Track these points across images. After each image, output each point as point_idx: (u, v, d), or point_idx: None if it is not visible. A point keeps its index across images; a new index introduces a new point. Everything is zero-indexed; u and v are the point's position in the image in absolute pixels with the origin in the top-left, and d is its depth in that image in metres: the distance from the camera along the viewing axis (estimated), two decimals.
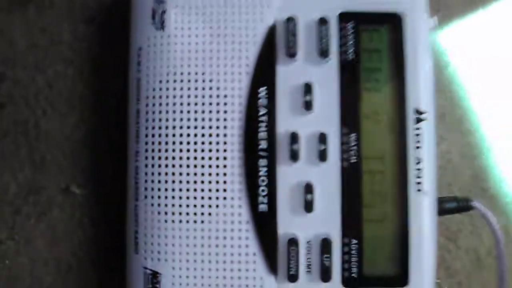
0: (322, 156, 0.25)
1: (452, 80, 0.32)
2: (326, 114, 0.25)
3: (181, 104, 0.25)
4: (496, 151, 0.31)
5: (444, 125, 0.31)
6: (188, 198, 0.25)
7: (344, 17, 0.26)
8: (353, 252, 0.25)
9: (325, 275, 0.24)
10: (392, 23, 0.26)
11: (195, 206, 0.25)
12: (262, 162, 0.25)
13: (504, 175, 0.31)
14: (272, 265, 0.25)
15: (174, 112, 0.25)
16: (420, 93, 0.25)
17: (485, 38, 0.32)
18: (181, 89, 0.25)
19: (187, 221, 0.25)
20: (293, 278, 0.24)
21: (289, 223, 0.25)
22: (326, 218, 0.25)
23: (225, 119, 0.25)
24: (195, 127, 0.25)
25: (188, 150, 0.25)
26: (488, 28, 0.32)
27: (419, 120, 0.25)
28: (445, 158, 0.31)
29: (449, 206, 0.27)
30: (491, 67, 0.32)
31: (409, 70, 0.25)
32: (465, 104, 0.32)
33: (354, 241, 0.25)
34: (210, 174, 0.25)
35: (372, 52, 0.26)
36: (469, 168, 0.31)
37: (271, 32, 0.25)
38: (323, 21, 0.25)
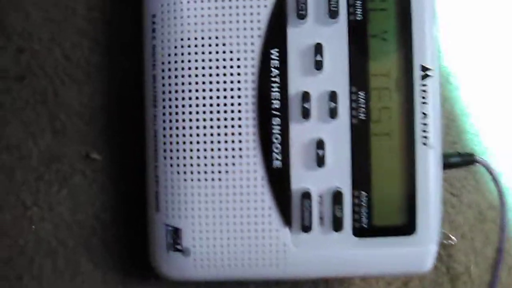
0: (333, 113, 0.26)
1: (459, 44, 0.33)
2: (336, 73, 0.26)
3: (196, 68, 0.26)
4: (498, 111, 0.33)
5: (449, 86, 0.32)
6: (205, 157, 0.26)
7: None
8: (363, 203, 0.26)
9: (337, 225, 0.26)
10: None
11: (212, 164, 0.26)
12: (275, 120, 0.26)
13: (508, 134, 0.33)
14: (286, 218, 0.26)
15: (189, 76, 0.26)
16: (426, 50, 0.26)
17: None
18: (196, 53, 0.26)
19: (205, 179, 0.26)
20: (306, 229, 0.26)
21: (302, 177, 0.26)
22: (337, 172, 0.26)
23: (238, 81, 0.26)
24: (210, 90, 0.26)
25: (204, 112, 0.26)
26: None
27: (425, 77, 0.26)
28: (450, 118, 0.32)
29: (453, 161, 0.28)
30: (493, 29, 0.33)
31: (415, 29, 0.26)
32: (470, 66, 0.33)
33: (364, 193, 0.26)
34: (226, 134, 0.26)
35: (379, 12, 0.26)
36: (473, 127, 0.32)
37: None
38: None
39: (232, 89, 0.26)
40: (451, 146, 0.32)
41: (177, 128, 0.26)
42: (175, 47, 0.26)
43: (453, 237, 0.27)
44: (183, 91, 0.26)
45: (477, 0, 0.32)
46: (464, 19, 0.32)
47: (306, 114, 0.26)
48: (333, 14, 0.26)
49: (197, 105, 0.26)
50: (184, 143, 0.26)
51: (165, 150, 0.26)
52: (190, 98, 0.26)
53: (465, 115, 0.32)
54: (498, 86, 0.33)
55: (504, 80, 0.33)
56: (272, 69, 0.26)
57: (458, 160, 0.28)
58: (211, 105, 0.26)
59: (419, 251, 0.26)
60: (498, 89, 0.33)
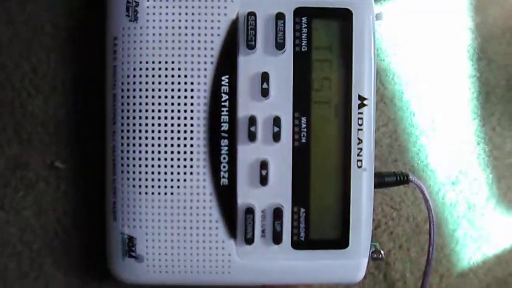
0: (276, 137, 0.28)
1: (402, 66, 0.35)
2: (280, 100, 0.28)
3: (153, 90, 0.28)
4: (438, 130, 0.35)
5: (393, 107, 0.35)
6: (159, 173, 0.28)
7: (299, 12, 0.29)
8: (301, 219, 0.29)
9: (277, 239, 0.28)
10: (342, 17, 0.29)
11: (165, 180, 0.28)
12: (224, 142, 0.28)
13: (443, 152, 0.36)
14: (232, 231, 0.28)
15: (146, 96, 0.28)
16: (364, 81, 0.29)
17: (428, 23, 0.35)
18: (153, 76, 0.28)
19: (159, 193, 0.28)
20: (249, 241, 0.28)
21: (247, 194, 0.28)
22: (279, 190, 0.29)
23: (192, 104, 0.28)
24: (165, 111, 0.28)
25: (159, 131, 0.28)
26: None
27: (361, 105, 0.29)
28: (393, 137, 0.35)
29: (389, 180, 0.31)
30: (436, 54, 0.35)
31: (355, 60, 0.29)
32: (412, 88, 0.35)
33: (302, 209, 0.29)
34: (178, 152, 0.28)
35: (323, 44, 0.29)
36: (414, 146, 0.35)
37: (234, 25, 0.28)
38: (280, 16, 0.28)
39: (185, 111, 0.28)
40: (393, 163, 0.35)
41: (133, 144, 0.28)
42: (134, 69, 0.28)
43: (382, 252, 0.29)
44: (140, 110, 0.28)
45: (422, 21, 0.35)
46: (407, 41, 0.35)
47: (252, 136, 0.28)
48: (279, 45, 0.28)
49: (152, 124, 0.28)
50: (140, 158, 0.28)
51: (122, 164, 0.29)
52: (146, 118, 0.28)
53: (407, 134, 0.35)
54: (438, 107, 0.35)
55: (443, 101, 0.35)
56: (223, 94, 0.28)
57: (394, 179, 0.31)
58: (165, 124, 0.28)
59: (351, 264, 0.29)
60: (438, 109, 0.35)
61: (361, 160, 0.29)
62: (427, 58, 0.35)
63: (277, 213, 0.28)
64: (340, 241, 0.29)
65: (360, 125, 0.29)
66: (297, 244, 0.29)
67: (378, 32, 0.33)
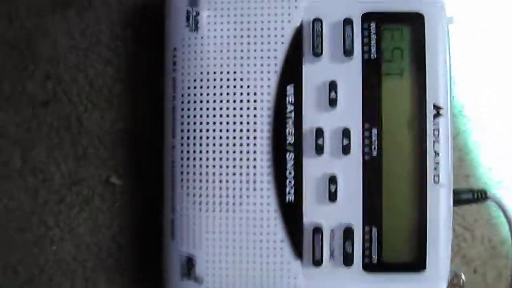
0: (346, 150, 0.27)
1: (474, 76, 0.33)
2: (349, 111, 0.27)
3: (214, 101, 0.27)
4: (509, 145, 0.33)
5: (463, 119, 0.32)
6: (221, 189, 0.27)
7: (367, 17, 0.27)
8: (373, 239, 0.26)
9: (347, 261, 0.26)
10: (413, 22, 0.27)
11: (227, 196, 0.27)
12: (290, 155, 0.27)
13: None
14: (298, 251, 0.27)
15: (207, 109, 0.27)
16: (439, 89, 0.27)
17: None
18: (214, 87, 0.27)
19: (220, 210, 0.27)
20: (317, 263, 0.26)
21: (314, 212, 0.27)
22: (349, 208, 0.27)
23: (255, 115, 0.27)
24: (227, 123, 0.27)
25: (220, 145, 0.27)
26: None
27: (437, 116, 0.27)
28: (463, 151, 0.32)
29: (465, 197, 0.29)
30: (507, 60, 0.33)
31: (429, 67, 0.27)
32: (485, 99, 0.33)
33: (375, 229, 0.26)
34: (241, 167, 0.27)
35: (393, 50, 0.27)
36: (487, 160, 0.33)
37: (298, 32, 0.27)
38: (347, 22, 0.27)
39: (248, 123, 0.27)
40: (464, 179, 0.32)
41: (194, 159, 0.27)
42: (195, 80, 0.27)
43: (463, 277, 0.27)
44: (201, 123, 0.27)
45: (489, 35, 0.33)
46: (477, 52, 0.33)
47: (319, 150, 0.26)
48: (348, 52, 0.27)
49: (214, 137, 0.27)
50: (200, 174, 0.27)
51: (182, 180, 0.27)
52: (207, 130, 0.27)
53: (478, 148, 0.33)
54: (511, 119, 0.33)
55: None
56: (287, 105, 0.27)
57: (470, 196, 0.29)
58: (227, 137, 0.27)
59: None
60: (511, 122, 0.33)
61: (438, 175, 0.26)
62: (501, 63, 0.33)
63: (348, 233, 0.26)
64: (416, 263, 0.26)
65: (436, 136, 0.26)
66: (369, 267, 0.26)
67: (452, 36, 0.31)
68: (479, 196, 0.29)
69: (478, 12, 0.33)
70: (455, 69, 0.32)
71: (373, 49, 0.27)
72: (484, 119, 0.33)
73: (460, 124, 0.33)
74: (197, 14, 0.28)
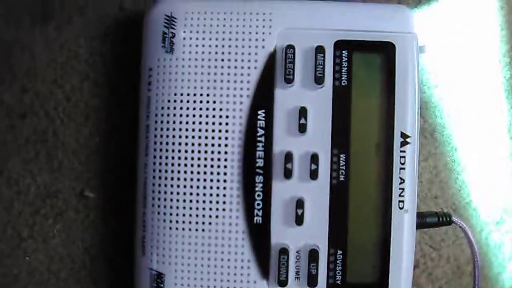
0: (314, 174, 0.27)
1: (443, 99, 0.34)
2: (319, 136, 0.27)
3: (187, 122, 0.28)
4: (479, 167, 0.34)
5: (433, 141, 0.33)
6: (191, 208, 0.27)
7: (340, 45, 0.28)
8: (338, 261, 0.27)
9: (312, 282, 0.27)
10: (384, 51, 0.28)
11: (197, 216, 0.27)
12: (259, 178, 0.27)
13: (487, 190, 0.34)
14: (264, 271, 0.27)
15: (180, 129, 0.28)
16: (407, 118, 0.27)
17: (472, 56, 0.34)
18: (187, 108, 0.28)
19: (189, 229, 0.27)
20: (283, 283, 0.27)
21: (281, 234, 0.27)
22: (315, 231, 0.27)
23: (226, 138, 0.27)
24: (199, 144, 0.27)
25: (192, 165, 0.27)
26: (471, 47, 0.34)
27: (404, 143, 0.27)
28: (433, 173, 0.33)
29: (430, 221, 0.29)
30: (476, 86, 0.34)
31: (398, 96, 0.27)
32: (454, 122, 0.34)
33: (339, 252, 0.27)
34: (211, 187, 0.27)
35: (364, 78, 0.28)
36: (455, 182, 0.33)
37: (271, 58, 0.28)
38: (319, 49, 0.27)
39: (219, 145, 0.27)
40: (433, 200, 0.33)
41: (165, 178, 0.28)
42: (168, 100, 0.28)
43: None
44: (173, 143, 0.28)
45: (464, 52, 0.33)
46: (449, 73, 0.34)
47: (288, 174, 0.27)
48: (319, 80, 0.27)
49: (185, 158, 0.28)
50: (171, 193, 0.28)
51: (153, 198, 0.28)
52: (179, 151, 0.28)
53: (448, 170, 0.33)
54: (481, 141, 0.34)
55: (487, 136, 0.34)
56: (258, 129, 0.27)
57: (435, 220, 0.30)
58: (199, 158, 0.28)
59: None
60: (481, 144, 0.34)
61: (403, 201, 0.27)
62: (470, 90, 0.34)
63: (313, 255, 0.27)
64: (379, 285, 0.27)
65: (403, 164, 0.27)
66: None
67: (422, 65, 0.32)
68: (444, 220, 0.30)
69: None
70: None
71: (344, 77, 0.27)
72: (455, 142, 0.34)
73: (431, 146, 0.33)
74: (173, 35, 0.28)
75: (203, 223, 0.27)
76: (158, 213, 0.28)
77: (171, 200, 0.28)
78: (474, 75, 0.34)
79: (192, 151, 0.27)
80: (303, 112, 0.27)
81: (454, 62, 0.33)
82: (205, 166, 0.27)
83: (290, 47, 0.27)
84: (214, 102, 0.28)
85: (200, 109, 0.28)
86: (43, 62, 0.32)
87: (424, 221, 0.29)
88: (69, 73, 0.32)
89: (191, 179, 0.27)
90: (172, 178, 0.28)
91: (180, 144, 0.28)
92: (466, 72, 0.34)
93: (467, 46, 0.34)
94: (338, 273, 0.27)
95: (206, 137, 0.27)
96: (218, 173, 0.27)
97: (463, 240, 0.33)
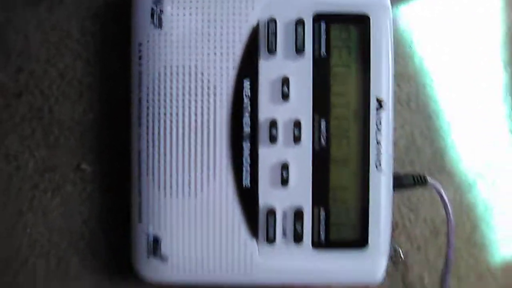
0: (297, 139, 0.29)
1: (419, 69, 0.35)
2: (300, 104, 0.29)
3: (177, 94, 0.29)
4: (453, 133, 0.36)
5: (409, 110, 0.35)
6: (183, 175, 0.29)
7: (318, 17, 0.29)
8: (321, 220, 0.29)
9: (298, 239, 0.29)
10: (359, 23, 0.29)
11: (189, 182, 0.29)
12: (246, 144, 0.29)
13: (460, 155, 0.36)
14: (254, 231, 0.29)
15: (170, 101, 0.29)
16: (382, 84, 0.29)
17: (450, 26, 0.35)
18: (177, 81, 0.29)
19: (182, 195, 0.29)
20: (271, 241, 0.29)
21: (269, 196, 0.29)
22: (299, 192, 0.29)
23: (214, 108, 0.29)
24: (189, 114, 0.29)
25: (182, 134, 0.29)
26: (453, 14, 0.35)
27: (379, 108, 0.29)
28: (409, 139, 0.35)
29: (407, 182, 0.32)
30: (455, 56, 0.36)
31: (373, 64, 0.29)
32: (429, 91, 0.36)
33: (323, 210, 0.29)
34: (202, 155, 0.29)
35: (341, 48, 0.29)
36: (430, 148, 0.36)
37: (255, 31, 0.29)
38: (299, 22, 0.29)
39: (208, 114, 0.29)
40: (410, 165, 0.35)
41: (158, 147, 0.29)
42: (159, 74, 0.29)
43: (401, 253, 0.30)
44: (164, 114, 0.29)
45: (439, 21, 0.35)
46: (424, 42, 0.35)
47: (273, 139, 0.29)
48: (299, 50, 0.29)
49: (176, 127, 0.29)
50: (164, 161, 0.29)
51: (147, 167, 0.30)
52: (170, 121, 0.29)
53: (423, 136, 0.35)
54: (457, 109, 0.36)
55: (460, 103, 0.36)
56: (244, 98, 0.29)
57: (411, 181, 0.32)
58: (189, 127, 0.29)
59: (370, 264, 0.29)
60: (457, 111, 0.36)
61: (380, 162, 0.29)
62: (444, 59, 0.35)
63: (298, 214, 0.29)
64: (359, 241, 0.29)
65: (378, 127, 0.29)
66: (317, 244, 0.29)
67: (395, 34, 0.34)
68: (419, 180, 0.32)
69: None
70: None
71: (323, 47, 0.29)
72: (429, 111, 0.36)
73: (406, 113, 0.35)
74: (161, 11, 0.29)
75: (195, 189, 0.29)
76: (153, 181, 0.29)
77: (164, 168, 0.29)
78: (450, 43, 0.35)
79: (183, 122, 0.29)
80: (285, 81, 0.29)
81: (432, 28, 0.35)
82: (195, 134, 0.29)
83: (272, 20, 0.29)
84: (202, 74, 0.29)
85: (189, 80, 0.29)
86: (36, 42, 0.33)
87: (400, 182, 0.31)
88: (62, 53, 0.33)
89: (182, 148, 0.29)
90: (164, 147, 0.29)
91: (170, 114, 0.29)
92: (441, 41, 0.35)
93: (444, 13, 0.35)
94: (322, 230, 0.29)
95: (196, 107, 0.29)
96: (208, 141, 0.29)
97: (439, 201, 0.35)
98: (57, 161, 0.33)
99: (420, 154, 0.35)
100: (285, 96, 0.29)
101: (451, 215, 0.32)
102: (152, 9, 0.29)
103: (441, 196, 0.32)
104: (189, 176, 0.29)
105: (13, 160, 0.33)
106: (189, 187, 0.29)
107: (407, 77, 0.35)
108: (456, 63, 0.36)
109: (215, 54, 0.29)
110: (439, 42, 0.35)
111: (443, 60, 0.35)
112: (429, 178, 0.32)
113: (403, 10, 0.35)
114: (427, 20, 0.35)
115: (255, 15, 0.29)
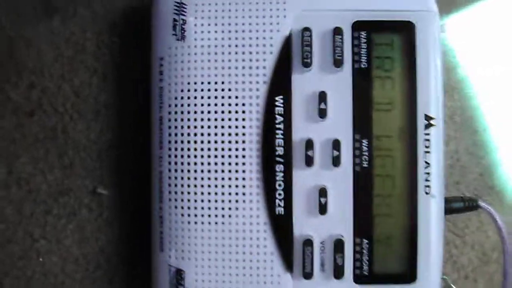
0: (336, 161, 0.26)
1: (462, 80, 0.33)
2: (339, 121, 0.26)
3: (202, 112, 0.27)
4: (502, 150, 0.33)
5: (453, 125, 0.32)
6: (209, 201, 0.26)
7: (358, 26, 0.27)
8: (364, 251, 0.26)
9: (338, 273, 0.26)
10: (403, 31, 0.27)
11: (216, 208, 0.26)
12: (279, 167, 0.26)
13: (510, 173, 0.33)
14: (288, 264, 0.26)
15: (195, 120, 0.27)
16: (430, 99, 0.26)
17: (493, 37, 0.33)
18: (202, 97, 0.27)
19: (209, 223, 0.26)
20: (308, 275, 0.26)
21: (304, 224, 0.26)
22: (339, 220, 0.26)
23: (243, 127, 0.26)
24: (215, 134, 0.27)
25: (209, 156, 0.26)
26: (496, 27, 0.33)
27: (428, 126, 0.26)
28: (454, 157, 0.32)
29: (456, 206, 0.28)
30: (500, 68, 0.33)
31: (420, 77, 0.26)
32: (474, 104, 0.33)
33: (366, 241, 0.26)
34: (230, 179, 0.26)
35: (384, 59, 0.27)
36: (477, 166, 0.32)
37: (287, 42, 0.27)
38: (337, 31, 0.26)
39: (237, 134, 0.26)
40: (455, 186, 0.32)
41: (182, 170, 0.27)
42: (182, 90, 0.27)
43: (451, 285, 0.27)
44: (188, 134, 0.27)
45: (485, 32, 0.32)
46: (469, 55, 0.32)
47: (309, 161, 0.26)
48: (337, 62, 0.26)
49: (202, 149, 0.27)
50: (188, 186, 0.27)
51: (170, 192, 0.27)
52: (195, 142, 0.27)
53: (469, 154, 0.32)
54: (504, 123, 0.33)
55: (509, 116, 0.33)
56: (277, 116, 0.26)
57: (462, 205, 0.29)
58: (215, 149, 0.27)
59: None
60: (502, 128, 0.33)
61: (429, 186, 0.26)
62: (489, 72, 0.33)
63: (338, 245, 0.26)
64: (407, 275, 0.26)
65: (427, 147, 0.26)
66: (360, 279, 0.26)
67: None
68: (470, 205, 0.29)
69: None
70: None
71: (364, 59, 0.26)
72: (475, 126, 0.33)
73: (450, 130, 0.32)
74: (184, 22, 0.27)
75: (223, 216, 0.26)
76: (176, 207, 0.27)
77: (188, 193, 0.27)
78: (495, 54, 0.33)
79: (209, 142, 0.27)
80: (322, 96, 0.26)
81: (474, 41, 0.32)
82: (223, 157, 0.26)
83: (307, 29, 0.26)
84: (230, 90, 0.27)
85: (215, 97, 0.27)
86: (49, 57, 0.31)
87: (450, 206, 0.28)
88: (77, 68, 0.31)
89: (209, 171, 0.27)
90: (188, 171, 0.27)
91: (195, 135, 0.27)
92: (486, 52, 0.33)
93: (487, 24, 0.33)
94: (365, 263, 0.26)
95: (223, 127, 0.26)
96: (237, 164, 0.26)
97: (488, 226, 0.32)
98: (71, 185, 0.31)
99: (465, 174, 0.32)
100: (322, 114, 0.26)
101: (506, 241, 0.29)
102: (174, 20, 0.27)
103: (495, 220, 0.29)
104: (216, 202, 0.26)
105: (25, 184, 0.31)
106: (216, 214, 0.26)
107: (451, 90, 0.32)
108: (502, 74, 0.33)
109: (243, 68, 0.27)
110: (484, 52, 0.33)
111: (488, 71, 0.33)
112: (480, 201, 0.29)
113: (444, 18, 0.32)
114: (470, 29, 0.32)
115: (288, 25, 0.27)
